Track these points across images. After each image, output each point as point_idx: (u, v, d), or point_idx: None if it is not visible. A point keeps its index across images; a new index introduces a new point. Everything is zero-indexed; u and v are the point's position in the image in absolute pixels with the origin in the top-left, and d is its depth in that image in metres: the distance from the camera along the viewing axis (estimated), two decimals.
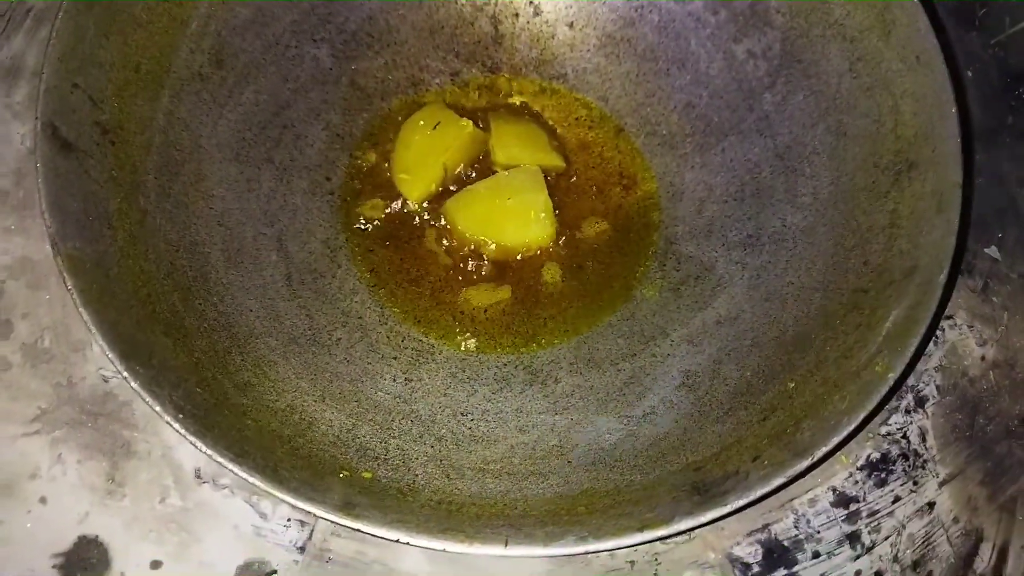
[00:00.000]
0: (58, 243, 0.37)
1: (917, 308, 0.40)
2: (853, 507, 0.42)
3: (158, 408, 0.34)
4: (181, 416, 0.35)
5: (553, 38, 0.59)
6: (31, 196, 0.45)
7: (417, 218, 0.55)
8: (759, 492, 0.35)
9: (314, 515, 0.37)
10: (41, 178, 0.38)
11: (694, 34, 0.56)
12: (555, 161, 0.56)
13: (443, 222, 0.54)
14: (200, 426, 0.36)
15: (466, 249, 0.54)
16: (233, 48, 0.51)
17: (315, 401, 0.45)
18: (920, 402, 0.44)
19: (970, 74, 0.54)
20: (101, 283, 0.38)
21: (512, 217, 0.54)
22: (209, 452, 0.34)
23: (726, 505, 0.35)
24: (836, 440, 0.36)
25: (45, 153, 0.39)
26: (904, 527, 0.42)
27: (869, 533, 0.41)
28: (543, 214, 0.54)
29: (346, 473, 0.40)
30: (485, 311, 0.53)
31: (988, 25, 0.56)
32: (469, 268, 0.54)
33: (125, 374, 0.34)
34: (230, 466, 0.34)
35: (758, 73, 0.54)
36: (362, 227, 0.54)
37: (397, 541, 0.33)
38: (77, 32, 0.43)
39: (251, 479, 0.34)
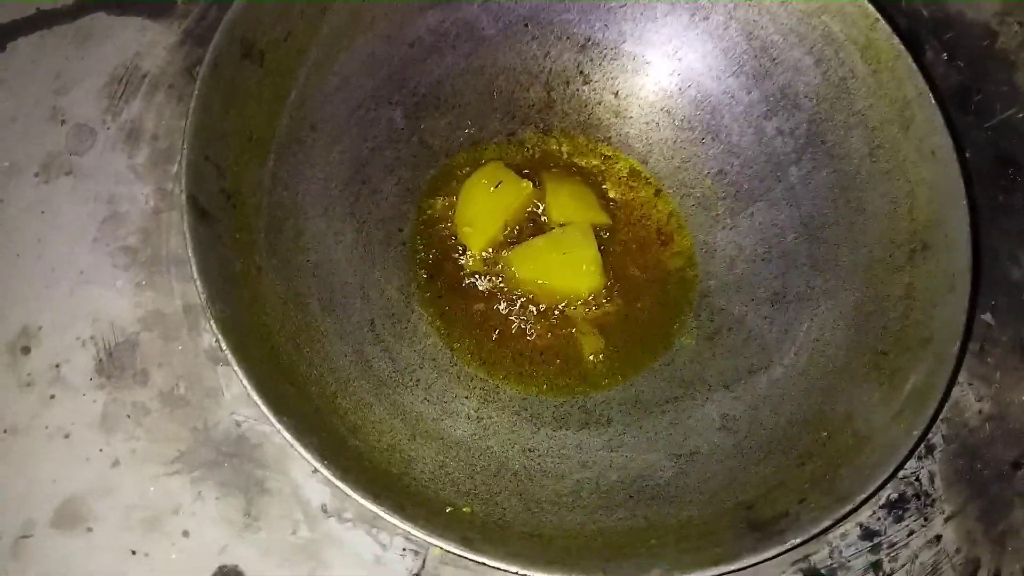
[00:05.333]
0: (209, 307, 0.42)
1: (934, 375, 0.47)
2: (876, 540, 0.50)
3: (308, 456, 0.40)
4: (325, 461, 0.41)
5: (600, 104, 0.65)
6: (158, 253, 0.50)
7: (480, 267, 0.61)
8: (811, 532, 0.42)
9: (428, 545, 0.42)
10: (191, 248, 0.43)
11: (728, 110, 0.63)
12: (603, 218, 0.62)
13: (503, 271, 0.60)
14: (339, 470, 0.41)
15: (524, 296, 0.60)
16: (324, 113, 0.56)
17: (408, 440, 0.50)
18: (929, 449, 0.52)
19: (967, 155, 0.62)
20: (242, 340, 0.44)
21: (566, 269, 0.60)
22: (352, 494, 0.40)
23: (784, 543, 0.42)
24: (872, 488, 0.43)
25: (191, 223, 0.44)
26: (917, 557, 0.49)
27: (889, 562, 0.49)
28: (593, 267, 0.60)
29: (450, 508, 0.45)
30: (541, 354, 0.59)
31: (982, 110, 0.64)
32: (526, 313, 0.60)
33: (279, 426, 0.40)
34: (372, 507, 0.39)
35: (786, 149, 0.61)
36: (430, 274, 0.60)
37: (516, 573, 0.40)
38: (206, 107, 0.48)
39: (390, 518, 0.39)
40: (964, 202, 0.51)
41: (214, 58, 0.48)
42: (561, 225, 0.61)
